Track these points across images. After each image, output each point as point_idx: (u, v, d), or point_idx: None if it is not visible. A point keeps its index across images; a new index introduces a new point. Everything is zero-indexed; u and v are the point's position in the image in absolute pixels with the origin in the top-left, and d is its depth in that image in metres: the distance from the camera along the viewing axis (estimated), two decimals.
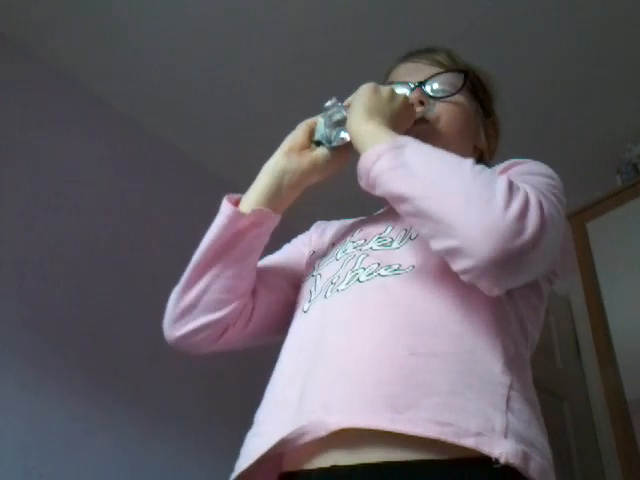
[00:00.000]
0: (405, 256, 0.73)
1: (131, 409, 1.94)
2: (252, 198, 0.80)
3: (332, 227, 0.96)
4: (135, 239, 2.21)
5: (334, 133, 0.82)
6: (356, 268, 0.75)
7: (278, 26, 2.04)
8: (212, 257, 0.78)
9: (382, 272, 0.72)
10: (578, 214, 2.16)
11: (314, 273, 0.83)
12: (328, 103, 0.82)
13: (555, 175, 0.76)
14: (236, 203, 0.80)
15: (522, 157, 0.81)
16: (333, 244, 0.87)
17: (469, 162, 0.65)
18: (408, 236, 0.76)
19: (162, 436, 1.99)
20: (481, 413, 0.57)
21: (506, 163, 0.80)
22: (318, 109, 0.85)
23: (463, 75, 0.90)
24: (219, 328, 0.80)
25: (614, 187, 2.21)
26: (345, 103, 0.82)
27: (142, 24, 2.06)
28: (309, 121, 0.85)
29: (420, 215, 0.63)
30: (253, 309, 0.84)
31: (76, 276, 1.99)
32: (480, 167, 0.64)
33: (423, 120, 0.85)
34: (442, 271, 0.68)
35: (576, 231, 2.14)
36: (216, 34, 2.08)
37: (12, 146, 2.00)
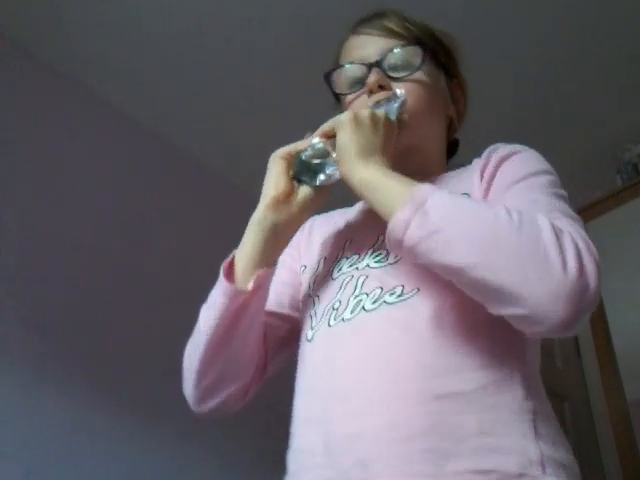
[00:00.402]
0: (407, 275, 0.70)
1: (131, 410, 1.93)
2: (248, 258, 0.75)
3: (318, 230, 0.92)
4: (136, 239, 2.21)
5: (314, 167, 0.76)
6: (357, 294, 0.72)
7: (278, 25, 2.04)
8: (222, 336, 0.74)
9: (387, 299, 0.69)
10: (578, 214, 2.16)
11: (311, 293, 0.81)
12: (306, 136, 0.78)
13: (550, 167, 0.75)
14: (230, 266, 0.75)
15: None
16: (325, 258, 0.84)
17: (502, 211, 0.60)
18: None
19: (162, 437, 1.98)
20: (515, 448, 0.59)
21: (496, 156, 0.76)
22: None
23: (421, 48, 0.83)
24: (242, 391, 0.79)
25: (614, 187, 2.21)
26: (319, 131, 0.76)
27: (142, 24, 2.06)
28: (284, 153, 0.77)
29: (476, 286, 0.60)
30: (266, 356, 0.82)
31: (76, 276, 1.98)
32: (516, 215, 0.59)
33: None
34: (451, 295, 0.66)
35: None
36: (215, 34, 2.08)
37: (12, 146, 1.99)
